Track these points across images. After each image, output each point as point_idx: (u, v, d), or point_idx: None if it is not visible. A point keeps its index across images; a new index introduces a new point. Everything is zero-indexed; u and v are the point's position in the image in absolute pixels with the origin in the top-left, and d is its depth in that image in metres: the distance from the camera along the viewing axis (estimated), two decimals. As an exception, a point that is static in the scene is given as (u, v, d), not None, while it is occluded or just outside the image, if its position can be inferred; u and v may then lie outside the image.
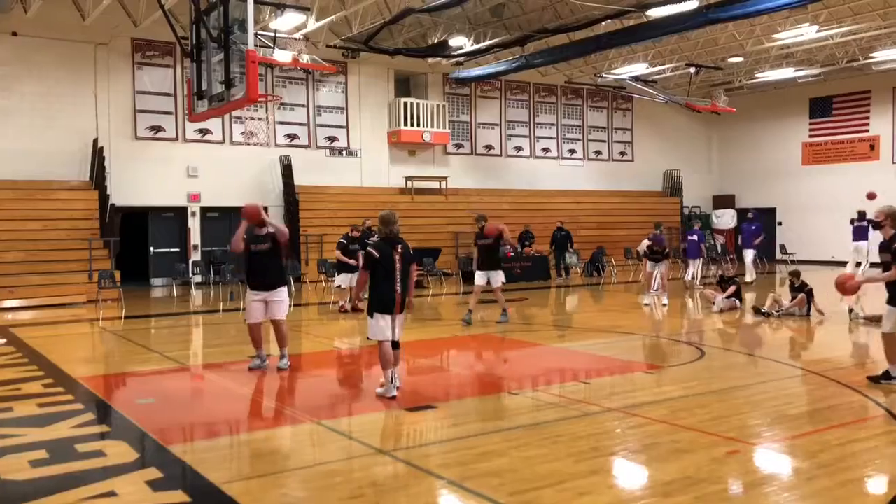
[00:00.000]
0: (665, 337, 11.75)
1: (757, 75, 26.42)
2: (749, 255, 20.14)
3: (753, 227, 20.60)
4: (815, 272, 23.05)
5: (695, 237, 18.53)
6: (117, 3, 17.99)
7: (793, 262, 25.29)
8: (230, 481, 5.09)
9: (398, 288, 7.40)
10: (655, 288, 15.20)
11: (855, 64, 24.45)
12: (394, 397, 7.27)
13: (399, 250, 7.45)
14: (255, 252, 8.84)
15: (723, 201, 30.93)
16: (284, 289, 9.01)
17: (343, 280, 14.31)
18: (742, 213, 29.53)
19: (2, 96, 18.27)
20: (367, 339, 7.72)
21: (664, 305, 14.93)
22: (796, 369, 9.09)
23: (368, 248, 7.66)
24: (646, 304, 15.00)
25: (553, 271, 22.44)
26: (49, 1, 16.60)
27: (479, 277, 12.78)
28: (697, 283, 18.10)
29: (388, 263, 7.36)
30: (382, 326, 7.37)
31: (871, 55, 23.59)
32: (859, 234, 19.63)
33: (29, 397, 7.60)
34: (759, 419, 6.64)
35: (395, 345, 7.48)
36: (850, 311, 12.66)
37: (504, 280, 13.12)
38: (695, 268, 18.47)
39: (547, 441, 5.89)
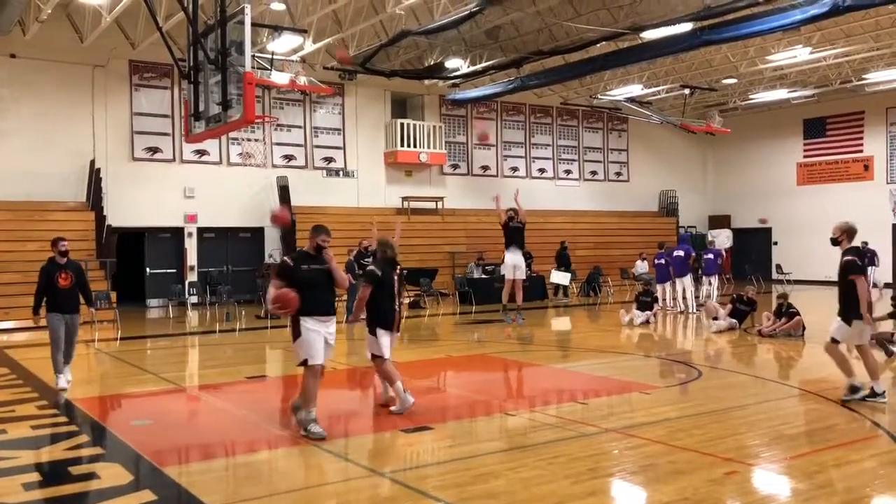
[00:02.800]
0: (662, 357, 11.74)
1: (751, 96, 26.62)
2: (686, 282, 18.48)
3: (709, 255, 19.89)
4: (809, 292, 23.12)
5: (710, 255, 19.26)
6: (115, 26, 18.09)
7: (788, 281, 25.34)
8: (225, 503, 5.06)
9: (397, 307, 7.82)
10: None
11: (848, 85, 24.65)
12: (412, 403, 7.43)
13: (398, 272, 7.99)
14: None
15: (718, 221, 31.03)
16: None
17: None
18: (737, 233, 29.66)
19: (0, 118, 18.31)
20: (371, 356, 7.77)
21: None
22: (794, 389, 9.08)
23: (372, 269, 7.83)
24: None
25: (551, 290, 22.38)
26: (47, 23, 16.69)
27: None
28: (714, 299, 18.05)
29: (389, 283, 7.78)
30: (387, 343, 7.65)
31: (864, 76, 23.79)
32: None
33: (23, 419, 7.55)
34: (757, 439, 6.62)
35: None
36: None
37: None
38: (712, 285, 19.07)
39: (544, 462, 5.87)
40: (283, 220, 9.11)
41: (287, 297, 6.56)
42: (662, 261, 17.80)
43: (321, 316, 6.80)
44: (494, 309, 14.21)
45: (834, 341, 7.92)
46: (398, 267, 7.99)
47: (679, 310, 17.35)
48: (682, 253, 17.74)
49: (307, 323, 6.72)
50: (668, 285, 17.76)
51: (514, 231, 15.18)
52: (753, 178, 30.00)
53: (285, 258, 7.05)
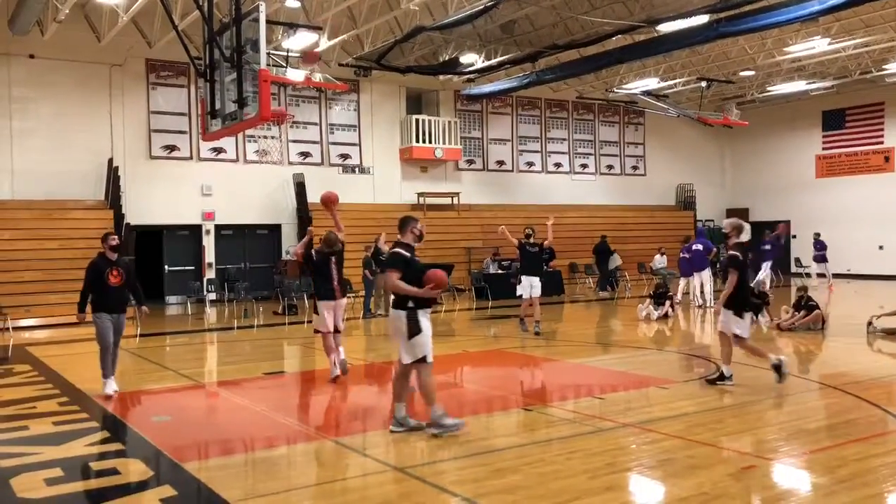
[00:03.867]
0: (680, 351, 11.68)
1: (769, 88, 26.36)
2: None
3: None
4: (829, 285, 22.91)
5: (767, 246, 19.78)
6: (132, 25, 18.21)
7: (808, 275, 25.13)
8: (244, 499, 5.09)
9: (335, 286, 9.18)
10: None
11: (868, 76, 24.36)
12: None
13: (334, 260, 9.26)
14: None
15: (736, 215, 30.61)
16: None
17: None
18: (756, 227, 29.41)
19: (19, 117, 18.50)
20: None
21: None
22: (813, 383, 9.01)
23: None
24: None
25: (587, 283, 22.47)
26: (65, 23, 16.82)
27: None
28: (768, 288, 18.08)
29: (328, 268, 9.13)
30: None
31: (883, 67, 23.51)
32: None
33: (44, 415, 7.64)
34: (776, 434, 6.58)
35: None
36: (869, 324, 12.54)
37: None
38: (764, 274, 19.44)
39: (561, 457, 5.86)
40: (331, 199, 9.48)
41: (440, 276, 6.52)
42: (687, 255, 17.86)
43: (428, 309, 6.69)
44: (510, 304, 14.19)
45: (736, 336, 8.48)
46: (334, 256, 9.29)
47: (697, 304, 17.26)
48: (700, 247, 17.64)
49: (424, 318, 6.58)
50: (693, 279, 17.78)
51: (531, 256, 13.43)
52: (772, 171, 29.74)
53: (400, 251, 6.78)
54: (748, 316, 8.51)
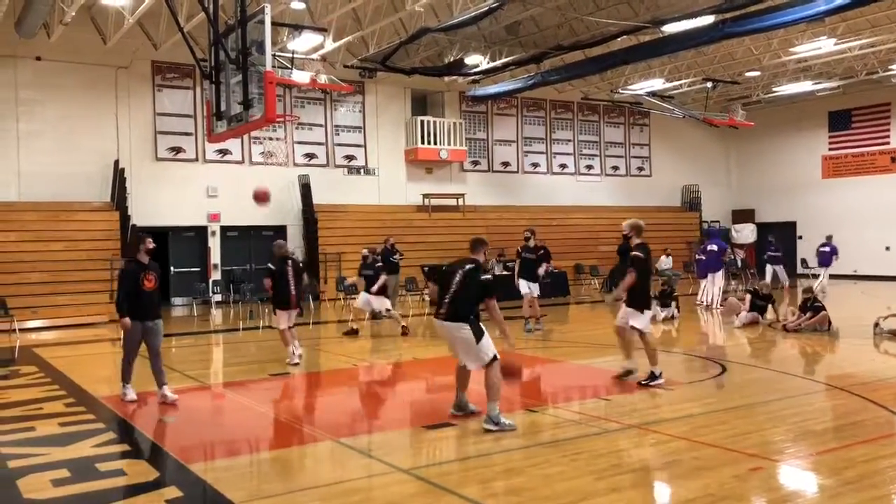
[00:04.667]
0: (685, 352, 11.65)
1: (774, 89, 26.29)
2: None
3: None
4: (835, 286, 22.82)
5: (827, 249, 20.59)
6: (137, 27, 18.26)
7: (814, 276, 25.02)
8: (250, 500, 5.10)
9: (292, 291, 10.60)
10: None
11: (874, 76, 24.28)
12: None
13: (290, 264, 10.73)
14: None
15: (742, 216, 30.71)
16: None
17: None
18: (761, 227, 29.35)
19: (26, 120, 18.57)
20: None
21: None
22: (819, 384, 8.98)
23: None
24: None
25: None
26: (71, 26, 16.88)
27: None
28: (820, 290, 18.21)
29: (285, 274, 10.56)
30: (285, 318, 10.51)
31: (890, 67, 23.43)
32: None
33: (51, 416, 7.67)
34: (782, 435, 6.56)
35: None
36: (876, 325, 12.50)
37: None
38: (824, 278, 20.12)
39: (566, 458, 5.85)
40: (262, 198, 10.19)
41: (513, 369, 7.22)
42: (702, 256, 17.90)
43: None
44: (515, 305, 14.18)
45: (633, 328, 8.77)
46: (290, 261, 10.73)
47: (705, 304, 17.30)
48: (714, 248, 17.64)
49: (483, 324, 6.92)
50: (707, 279, 17.92)
51: (528, 263, 13.90)
52: (777, 172, 29.66)
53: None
54: (648, 313, 8.84)
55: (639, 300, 8.71)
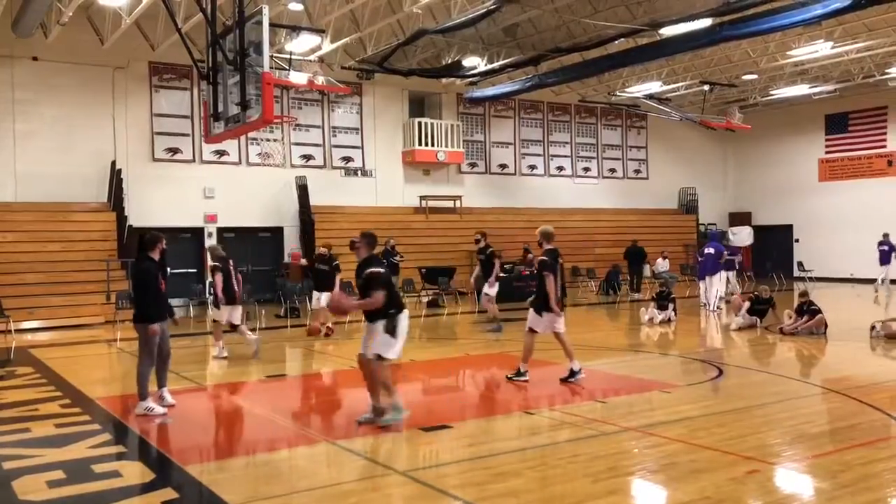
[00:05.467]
0: (682, 355, 11.66)
1: (771, 92, 26.36)
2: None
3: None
4: (832, 289, 22.88)
5: (885, 247, 20.90)
6: (135, 28, 18.24)
7: (810, 279, 25.10)
8: (246, 502, 5.09)
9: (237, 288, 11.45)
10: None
11: (871, 80, 24.34)
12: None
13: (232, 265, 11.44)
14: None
15: (739, 219, 30.75)
16: None
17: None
18: (759, 231, 29.40)
19: (22, 120, 18.54)
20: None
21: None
22: (816, 387, 8.99)
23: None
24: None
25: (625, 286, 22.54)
26: (68, 26, 16.85)
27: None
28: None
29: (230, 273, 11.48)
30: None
31: (886, 71, 23.50)
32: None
33: (46, 418, 7.64)
34: (779, 438, 6.56)
35: None
36: (872, 328, 12.52)
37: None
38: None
39: (563, 461, 5.85)
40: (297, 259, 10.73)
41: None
42: (701, 259, 18.06)
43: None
44: (512, 308, 14.21)
45: (532, 331, 9.07)
46: (230, 260, 11.54)
47: (709, 307, 17.36)
48: (712, 250, 17.70)
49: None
50: (704, 282, 17.92)
51: (480, 264, 15.09)
52: (774, 175, 29.72)
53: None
54: (547, 315, 9.02)
55: (543, 303, 8.99)
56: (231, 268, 11.50)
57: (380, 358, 6.96)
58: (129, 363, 11.92)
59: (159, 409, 7.73)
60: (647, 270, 22.58)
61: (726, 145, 31.29)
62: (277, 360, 12.16)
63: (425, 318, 16.99)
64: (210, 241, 12.26)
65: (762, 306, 14.17)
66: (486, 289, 14.67)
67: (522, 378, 9.10)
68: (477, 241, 15.11)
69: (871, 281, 23.42)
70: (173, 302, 20.16)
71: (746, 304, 14.38)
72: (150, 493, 5.29)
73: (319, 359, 12.20)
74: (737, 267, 18.98)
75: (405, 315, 7.07)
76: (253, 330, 15.62)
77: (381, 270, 7.09)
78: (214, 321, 11.88)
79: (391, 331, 6.93)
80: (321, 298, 13.44)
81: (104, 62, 19.31)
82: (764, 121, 28.91)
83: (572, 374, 9.07)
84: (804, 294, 13.71)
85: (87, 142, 19.17)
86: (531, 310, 9.15)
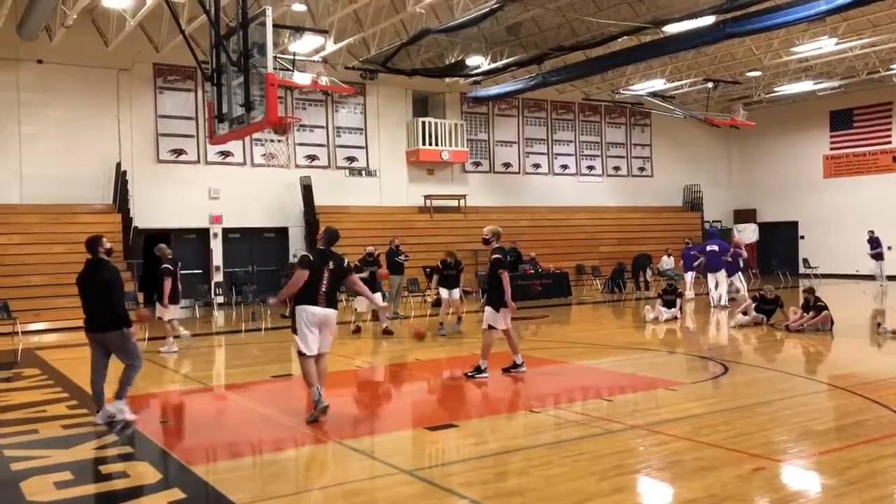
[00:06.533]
0: (687, 353, 11.65)
1: (776, 89, 26.30)
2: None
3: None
4: (837, 286, 22.83)
5: None
6: (139, 30, 18.29)
7: (816, 276, 25.04)
8: (253, 502, 5.10)
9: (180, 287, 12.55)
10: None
11: (875, 76, 24.27)
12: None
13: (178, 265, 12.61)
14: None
15: (744, 216, 30.72)
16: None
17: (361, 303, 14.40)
18: (764, 227, 29.35)
19: (28, 122, 18.61)
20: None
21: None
22: (821, 384, 8.97)
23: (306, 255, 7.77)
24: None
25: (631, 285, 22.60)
26: (73, 28, 16.91)
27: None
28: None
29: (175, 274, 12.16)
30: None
31: (891, 67, 23.43)
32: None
33: (54, 419, 7.67)
34: (785, 435, 6.55)
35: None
36: (878, 325, 12.48)
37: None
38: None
39: (569, 459, 5.85)
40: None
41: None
42: (702, 257, 18.09)
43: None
44: (518, 306, 14.15)
45: (491, 328, 9.26)
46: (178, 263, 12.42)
47: (713, 304, 17.36)
48: (716, 248, 17.72)
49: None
50: (708, 279, 18.01)
51: (448, 278, 14.49)
52: (779, 172, 29.65)
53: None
54: (503, 311, 9.25)
55: (497, 299, 9.23)
56: (178, 269, 12.47)
57: (299, 353, 7.39)
58: (135, 364, 11.95)
59: (129, 415, 7.38)
60: (649, 272, 22.60)
61: (731, 142, 31.23)
62: (283, 360, 12.17)
63: (430, 317, 16.99)
64: (161, 244, 12.81)
65: (769, 307, 14.14)
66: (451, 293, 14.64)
67: (483, 375, 9.23)
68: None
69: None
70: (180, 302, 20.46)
71: (750, 303, 14.35)
72: (157, 493, 5.30)
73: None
74: (741, 266, 18.96)
75: (302, 308, 7.27)
76: (259, 329, 15.75)
77: (305, 260, 7.46)
78: (160, 318, 12.43)
79: (293, 325, 7.36)
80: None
81: (108, 64, 19.37)
82: (768, 118, 28.86)
83: (515, 366, 9.52)
84: (810, 290, 13.65)
85: (91, 144, 19.23)
86: (488, 308, 9.36)
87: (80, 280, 7.73)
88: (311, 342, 7.24)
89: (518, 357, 9.59)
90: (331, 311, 7.37)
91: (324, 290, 7.29)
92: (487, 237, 9.70)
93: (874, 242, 24.23)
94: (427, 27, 18.01)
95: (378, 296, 14.00)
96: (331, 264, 7.44)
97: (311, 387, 7.26)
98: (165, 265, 12.26)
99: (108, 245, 7.83)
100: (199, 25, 15.31)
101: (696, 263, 19.20)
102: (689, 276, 19.61)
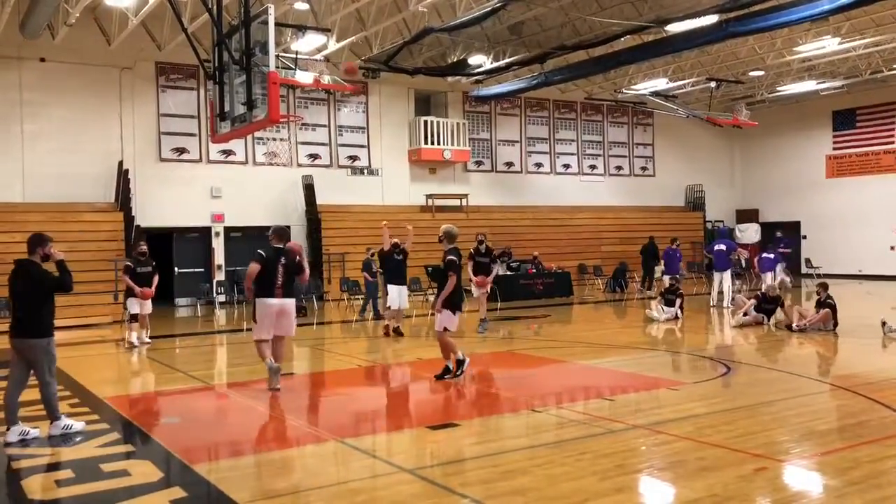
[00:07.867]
0: (689, 353, 11.64)
1: (779, 88, 26.24)
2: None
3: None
4: (840, 286, 22.78)
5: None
6: (141, 28, 18.29)
7: (818, 275, 24.98)
8: (254, 500, 5.10)
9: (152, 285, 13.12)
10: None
11: (878, 75, 24.21)
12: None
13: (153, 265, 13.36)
14: None
15: (746, 215, 30.67)
16: None
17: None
18: (765, 227, 29.30)
19: (30, 121, 18.61)
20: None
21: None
22: (824, 384, 8.96)
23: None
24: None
25: (635, 284, 22.52)
26: (75, 27, 16.91)
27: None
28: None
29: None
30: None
31: (894, 66, 23.38)
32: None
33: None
34: (787, 435, 6.54)
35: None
36: (883, 324, 12.45)
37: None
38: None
39: (571, 459, 5.84)
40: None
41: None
42: (711, 256, 18.14)
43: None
44: (520, 305, 14.19)
45: (446, 330, 9.07)
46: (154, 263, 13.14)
47: (713, 303, 17.34)
48: (723, 247, 17.71)
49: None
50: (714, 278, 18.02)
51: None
52: (782, 172, 29.61)
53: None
54: (458, 314, 9.18)
55: (455, 302, 9.11)
56: (146, 268, 13.17)
57: (256, 339, 8.62)
58: (137, 362, 11.97)
59: (78, 425, 6.97)
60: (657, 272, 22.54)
61: (733, 142, 31.19)
62: (285, 359, 12.17)
63: (432, 316, 16.98)
64: (140, 241, 13.88)
65: (770, 305, 14.12)
66: (472, 288, 14.33)
67: (450, 376, 9.11)
68: (480, 243, 14.86)
69: (880, 277, 23.38)
70: (181, 301, 20.55)
71: (752, 303, 14.34)
72: (158, 491, 5.30)
73: (327, 357, 12.22)
74: (744, 266, 18.95)
75: (261, 301, 8.50)
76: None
77: (258, 255, 8.60)
78: (132, 314, 12.94)
79: (254, 315, 8.57)
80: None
81: (111, 63, 19.37)
82: (771, 117, 28.82)
83: (459, 364, 9.27)
84: (823, 285, 13.50)
85: (94, 142, 19.24)
86: (444, 311, 9.01)
87: (9, 281, 7.21)
88: (265, 329, 8.49)
89: (461, 355, 9.21)
90: (287, 301, 8.59)
91: (279, 283, 8.47)
92: (441, 237, 9.56)
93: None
94: (429, 26, 17.99)
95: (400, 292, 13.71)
96: (283, 259, 8.55)
97: (265, 360, 8.47)
98: (128, 263, 13.25)
99: (50, 250, 7.43)
100: (202, 24, 15.31)
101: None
102: (667, 279, 19.09)
